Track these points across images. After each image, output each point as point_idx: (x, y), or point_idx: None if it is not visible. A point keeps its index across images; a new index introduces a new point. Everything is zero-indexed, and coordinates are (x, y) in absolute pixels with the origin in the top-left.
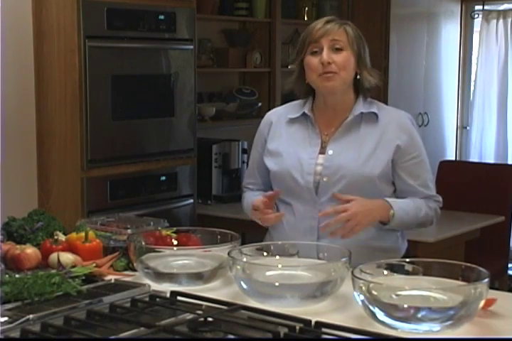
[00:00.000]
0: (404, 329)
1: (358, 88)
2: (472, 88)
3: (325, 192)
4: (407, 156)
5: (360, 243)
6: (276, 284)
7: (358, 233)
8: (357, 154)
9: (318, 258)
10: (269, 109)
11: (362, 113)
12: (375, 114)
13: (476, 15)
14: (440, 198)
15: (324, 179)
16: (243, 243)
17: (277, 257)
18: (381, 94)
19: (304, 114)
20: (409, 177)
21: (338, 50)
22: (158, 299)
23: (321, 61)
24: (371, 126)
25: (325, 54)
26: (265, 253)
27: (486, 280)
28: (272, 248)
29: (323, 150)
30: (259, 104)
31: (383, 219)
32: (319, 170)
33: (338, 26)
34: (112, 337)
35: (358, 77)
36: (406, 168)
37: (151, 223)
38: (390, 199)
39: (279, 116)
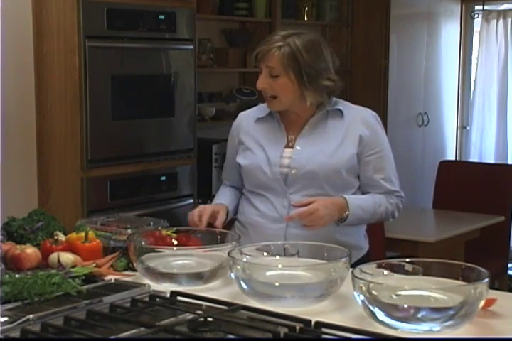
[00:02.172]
0: (404, 329)
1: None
2: (472, 88)
3: (294, 183)
4: (370, 151)
5: (327, 237)
6: (276, 284)
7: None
8: (324, 147)
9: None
10: None
11: (327, 110)
12: (341, 111)
13: (476, 15)
14: (402, 193)
15: (293, 171)
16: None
17: (277, 257)
18: (381, 94)
19: (270, 113)
20: (373, 171)
21: (275, 76)
22: (158, 299)
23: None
24: (337, 122)
25: (259, 81)
26: (265, 253)
27: (486, 280)
28: (272, 248)
29: (290, 146)
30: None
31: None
32: (287, 163)
33: (275, 50)
34: (112, 337)
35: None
36: (370, 162)
37: (151, 223)
38: (349, 198)
39: (248, 117)
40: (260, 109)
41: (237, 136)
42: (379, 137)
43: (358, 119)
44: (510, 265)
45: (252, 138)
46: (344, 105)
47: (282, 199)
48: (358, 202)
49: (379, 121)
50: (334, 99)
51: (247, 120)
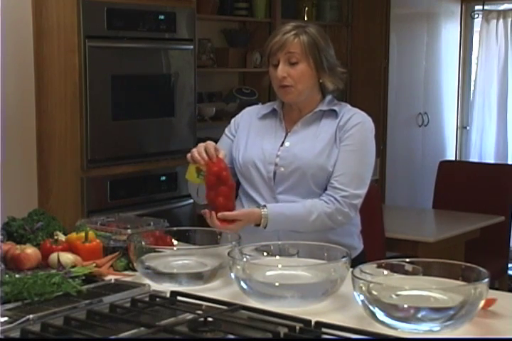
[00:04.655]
0: (404, 329)
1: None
2: (472, 88)
3: (281, 182)
4: (343, 142)
5: (320, 237)
6: (276, 284)
7: None
8: (312, 145)
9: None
10: None
11: (321, 110)
12: (336, 112)
13: (476, 15)
14: (352, 200)
15: (281, 169)
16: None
17: (277, 257)
18: (381, 94)
19: (273, 109)
20: (334, 163)
21: (294, 63)
22: (158, 299)
23: (276, 75)
24: (330, 122)
25: (279, 69)
26: (265, 253)
27: (486, 280)
28: (272, 248)
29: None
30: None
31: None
32: (277, 161)
33: (293, 37)
34: (112, 337)
35: (321, 80)
36: (340, 154)
37: (151, 223)
38: (269, 205)
39: (253, 112)
40: (265, 106)
41: (237, 129)
42: (358, 136)
43: (347, 118)
44: (510, 265)
45: (251, 134)
46: (342, 107)
47: (270, 199)
48: (281, 210)
49: (368, 125)
50: (335, 100)
51: (252, 116)
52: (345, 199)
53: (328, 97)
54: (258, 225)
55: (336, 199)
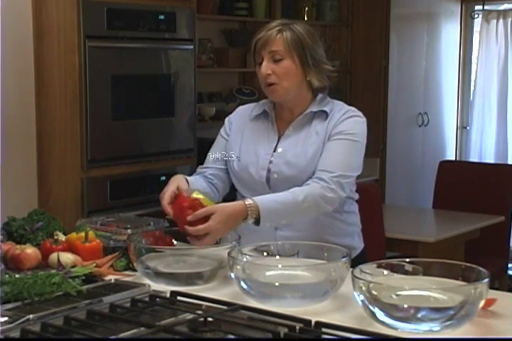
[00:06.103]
0: (404, 329)
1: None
2: (472, 88)
3: (277, 188)
4: (333, 136)
5: (317, 238)
6: (276, 284)
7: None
8: (304, 150)
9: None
10: None
11: (312, 111)
12: (326, 113)
13: (476, 15)
14: (340, 179)
15: (275, 175)
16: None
17: (277, 257)
18: (381, 94)
19: (264, 111)
20: (322, 153)
21: (278, 60)
22: (158, 299)
23: (261, 72)
24: (321, 123)
25: (263, 66)
26: (265, 253)
27: (486, 280)
28: (271, 248)
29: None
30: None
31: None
32: (270, 167)
33: (276, 33)
34: (112, 337)
35: (308, 78)
36: (327, 144)
37: (151, 223)
38: (257, 198)
39: (246, 112)
40: (258, 106)
41: (231, 128)
42: (347, 127)
43: (337, 117)
44: (510, 265)
45: (244, 137)
46: (335, 106)
47: None
48: (267, 197)
49: (359, 118)
50: (327, 98)
51: (244, 116)
52: (333, 178)
53: (320, 96)
54: (245, 219)
55: (321, 179)
